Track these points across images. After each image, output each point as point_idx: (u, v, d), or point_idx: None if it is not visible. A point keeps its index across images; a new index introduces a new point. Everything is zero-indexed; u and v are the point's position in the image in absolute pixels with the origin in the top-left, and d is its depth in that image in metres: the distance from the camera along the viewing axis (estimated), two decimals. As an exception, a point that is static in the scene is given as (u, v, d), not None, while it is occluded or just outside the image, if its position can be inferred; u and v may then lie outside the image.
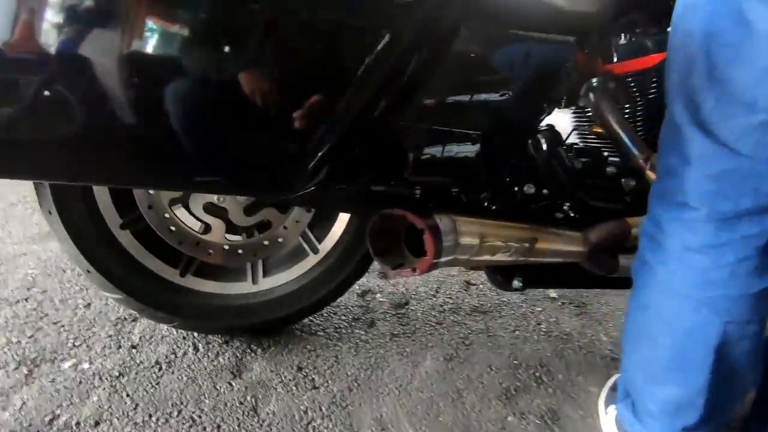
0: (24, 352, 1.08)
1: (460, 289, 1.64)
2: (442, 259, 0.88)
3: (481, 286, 1.69)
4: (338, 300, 1.46)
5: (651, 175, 1.15)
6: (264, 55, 0.54)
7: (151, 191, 0.99)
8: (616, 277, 1.28)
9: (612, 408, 0.97)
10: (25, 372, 1.03)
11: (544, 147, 1.03)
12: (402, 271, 0.92)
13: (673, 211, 0.76)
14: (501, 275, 1.16)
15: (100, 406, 0.96)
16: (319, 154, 0.67)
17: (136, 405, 0.98)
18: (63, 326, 1.19)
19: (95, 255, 1.01)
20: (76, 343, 1.13)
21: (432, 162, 0.95)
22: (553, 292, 1.72)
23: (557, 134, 1.09)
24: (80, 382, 1.02)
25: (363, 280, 1.61)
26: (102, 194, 1.00)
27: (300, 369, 1.15)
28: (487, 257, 0.96)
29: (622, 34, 1.15)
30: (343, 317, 1.39)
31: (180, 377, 1.07)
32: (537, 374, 1.25)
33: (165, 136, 0.53)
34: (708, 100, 0.67)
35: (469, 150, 0.97)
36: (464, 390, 1.16)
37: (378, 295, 1.53)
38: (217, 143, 0.59)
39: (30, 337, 1.13)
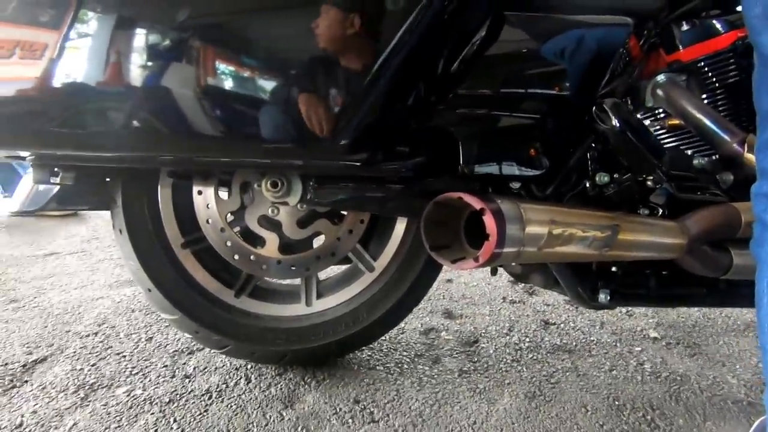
0: (84, 378, 1.07)
1: (537, 328, 1.44)
2: (507, 250, 0.78)
3: (562, 325, 1.47)
4: (398, 336, 1.35)
5: (750, 158, 0.99)
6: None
7: (209, 206, 1.02)
8: (735, 293, 1.06)
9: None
10: (82, 395, 1.01)
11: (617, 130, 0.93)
12: (463, 264, 0.82)
13: None
14: (584, 288, 1.00)
15: (146, 430, 0.90)
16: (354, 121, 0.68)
17: (182, 430, 0.91)
18: (124, 356, 1.18)
19: (157, 274, 1.03)
20: (134, 372, 1.11)
21: (489, 150, 0.89)
22: (654, 332, 1.45)
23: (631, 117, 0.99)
24: (131, 407, 0.97)
25: (426, 318, 1.49)
26: (167, 215, 1.04)
27: (357, 402, 1.02)
28: (560, 249, 0.83)
29: (683, 22, 1.08)
30: (405, 353, 1.25)
31: (229, 406, 0.99)
32: (648, 417, 1.00)
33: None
34: None
35: (527, 137, 0.90)
36: (554, 431, 0.94)
37: (443, 333, 1.38)
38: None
39: (92, 366, 1.13)
